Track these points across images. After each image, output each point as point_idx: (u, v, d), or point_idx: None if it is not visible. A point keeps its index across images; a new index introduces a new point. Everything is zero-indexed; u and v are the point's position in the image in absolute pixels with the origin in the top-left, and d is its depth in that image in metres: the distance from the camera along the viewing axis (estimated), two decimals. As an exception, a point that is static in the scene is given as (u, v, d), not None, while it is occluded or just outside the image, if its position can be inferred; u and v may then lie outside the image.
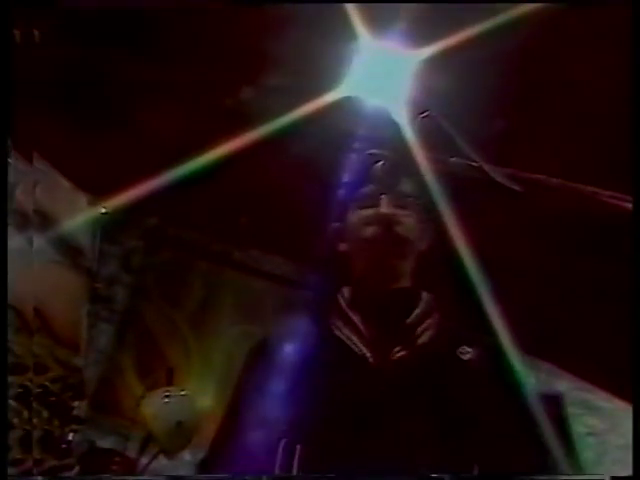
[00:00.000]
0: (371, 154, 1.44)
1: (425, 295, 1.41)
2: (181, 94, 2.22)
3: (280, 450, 1.21)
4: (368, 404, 1.24)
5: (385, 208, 1.39)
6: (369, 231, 1.38)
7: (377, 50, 1.45)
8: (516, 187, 1.17)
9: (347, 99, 1.48)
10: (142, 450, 2.55)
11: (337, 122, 1.48)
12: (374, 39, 1.44)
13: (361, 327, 1.34)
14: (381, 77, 1.45)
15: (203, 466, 1.37)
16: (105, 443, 2.50)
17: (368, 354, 1.30)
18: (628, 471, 3.29)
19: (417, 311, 1.36)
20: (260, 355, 1.43)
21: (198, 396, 2.70)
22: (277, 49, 1.90)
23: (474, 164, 1.17)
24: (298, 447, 1.21)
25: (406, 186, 1.43)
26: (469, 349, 1.32)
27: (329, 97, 1.45)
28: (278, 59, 1.92)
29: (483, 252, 1.29)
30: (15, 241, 2.11)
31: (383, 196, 1.40)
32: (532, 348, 1.28)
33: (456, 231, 1.32)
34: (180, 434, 2.53)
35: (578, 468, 1.26)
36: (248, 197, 2.71)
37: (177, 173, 1.86)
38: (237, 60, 2.02)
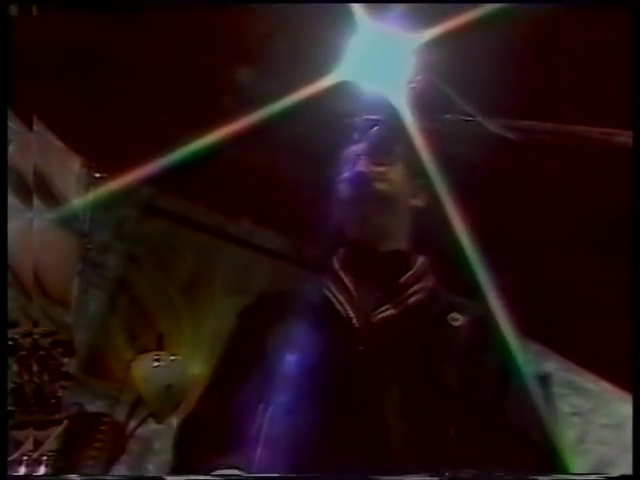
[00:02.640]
0: (366, 119, 1.42)
1: (421, 258, 1.39)
2: (179, 72, 2.20)
3: (259, 414, 1.21)
4: (349, 365, 1.23)
5: (362, 167, 1.38)
6: (348, 191, 1.38)
7: (376, 33, 1.42)
8: (516, 137, 1.14)
9: (345, 83, 1.45)
10: (131, 413, 2.57)
11: (335, 106, 1.46)
12: (373, 21, 1.40)
13: (350, 287, 1.34)
14: (380, 60, 1.42)
15: (183, 428, 1.36)
16: (94, 407, 2.52)
17: (352, 314, 1.29)
18: (611, 450, 3.33)
19: (409, 274, 1.35)
20: (250, 316, 1.42)
21: (189, 363, 2.72)
22: (275, 33, 1.87)
23: (469, 119, 1.13)
24: (270, 409, 1.20)
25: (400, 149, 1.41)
26: (460, 316, 1.30)
27: (327, 81, 1.42)
28: (276, 43, 1.90)
29: (482, 226, 1.27)
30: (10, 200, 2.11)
31: (362, 156, 1.40)
32: (524, 329, 1.27)
33: (454, 202, 1.30)
34: (169, 398, 2.54)
35: (561, 446, 1.27)
36: (244, 175, 2.72)
37: (175, 150, 1.85)
38: (235, 43, 1.99)
